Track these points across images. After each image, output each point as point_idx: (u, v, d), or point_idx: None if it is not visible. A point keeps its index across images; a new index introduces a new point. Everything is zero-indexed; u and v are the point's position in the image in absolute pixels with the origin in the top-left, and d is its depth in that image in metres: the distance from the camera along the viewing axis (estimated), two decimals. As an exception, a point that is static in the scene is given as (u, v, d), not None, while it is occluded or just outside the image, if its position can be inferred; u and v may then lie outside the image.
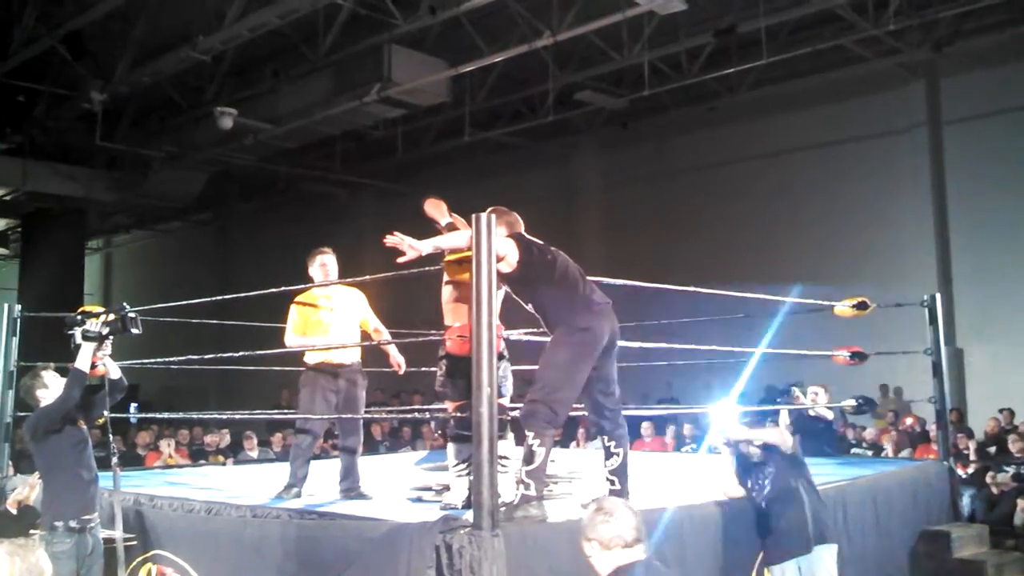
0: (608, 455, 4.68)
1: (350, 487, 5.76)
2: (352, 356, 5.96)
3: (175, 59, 12.46)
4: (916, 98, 14.29)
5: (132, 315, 5.11)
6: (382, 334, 6.15)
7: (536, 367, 4.57)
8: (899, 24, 12.11)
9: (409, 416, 12.57)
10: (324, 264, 6.02)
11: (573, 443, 12.19)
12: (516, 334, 5.52)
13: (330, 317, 5.94)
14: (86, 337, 5.05)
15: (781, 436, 5.46)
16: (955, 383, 12.29)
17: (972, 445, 11.04)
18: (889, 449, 11.02)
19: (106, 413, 5.33)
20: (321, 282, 5.94)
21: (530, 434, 4.34)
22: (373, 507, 5.26)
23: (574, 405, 4.68)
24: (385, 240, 4.56)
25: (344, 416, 5.83)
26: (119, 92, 13.69)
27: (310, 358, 5.92)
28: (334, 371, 5.86)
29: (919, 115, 14.22)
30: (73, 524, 4.97)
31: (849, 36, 12.94)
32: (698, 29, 13.04)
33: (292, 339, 5.93)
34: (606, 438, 4.74)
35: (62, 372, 5.28)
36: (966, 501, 9.20)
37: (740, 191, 15.79)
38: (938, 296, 7.77)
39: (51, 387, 5.15)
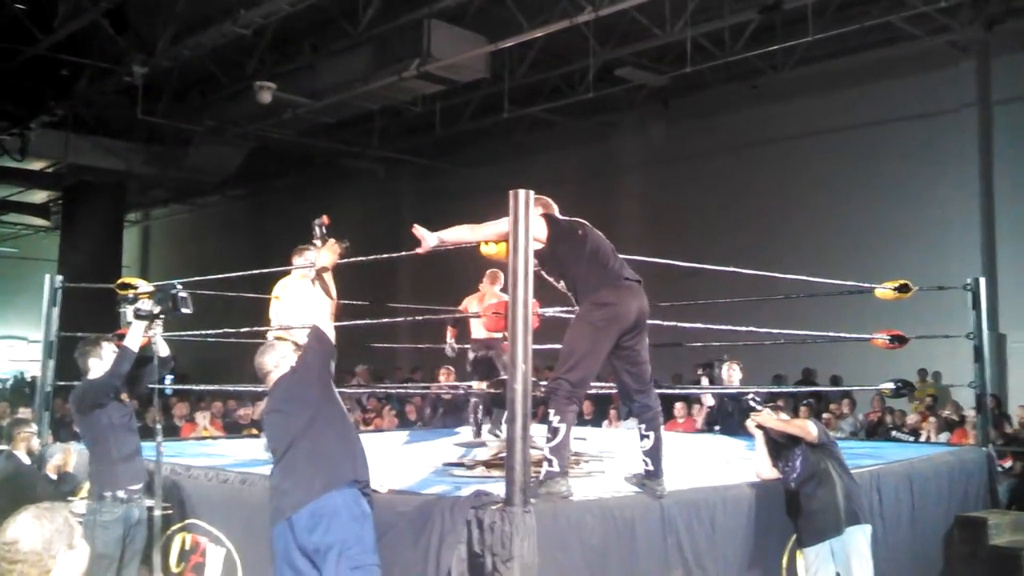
0: (641, 437, 4.67)
1: None
2: None
3: (216, 33, 12.50)
4: (966, 77, 13.93)
5: (183, 295, 5.15)
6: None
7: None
8: (950, 1, 11.81)
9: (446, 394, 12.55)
10: None
11: (605, 422, 12.16)
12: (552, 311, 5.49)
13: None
14: (138, 316, 5.11)
15: (803, 429, 5.39)
16: (996, 369, 12.07)
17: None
18: (932, 433, 10.83)
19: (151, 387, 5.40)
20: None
21: (551, 411, 4.36)
22: (405, 481, 5.27)
23: (605, 383, 4.66)
24: (413, 229, 4.62)
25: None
26: (160, 66, 13.80)
27: None
28: None
29: (969, 95, 13.87)
30: (120, 495, 5.09)
31: (898, 13, 12.62)
32: (742, 5, 12.82)
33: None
34: (638, 419, 4.72)
35: None
36: (1004, 488, 9.03)
37: (782, 170, 15.55)
38: (982, 280, 7.66)
39: (105, 359, 5.24)
